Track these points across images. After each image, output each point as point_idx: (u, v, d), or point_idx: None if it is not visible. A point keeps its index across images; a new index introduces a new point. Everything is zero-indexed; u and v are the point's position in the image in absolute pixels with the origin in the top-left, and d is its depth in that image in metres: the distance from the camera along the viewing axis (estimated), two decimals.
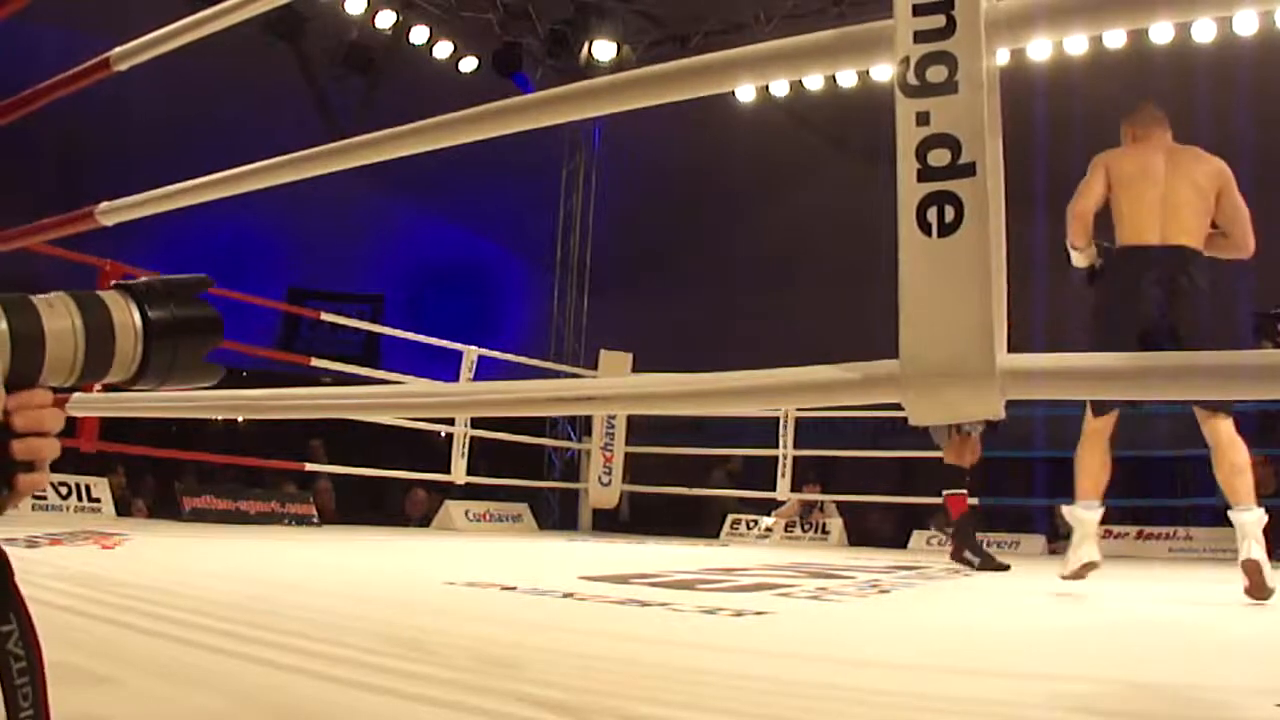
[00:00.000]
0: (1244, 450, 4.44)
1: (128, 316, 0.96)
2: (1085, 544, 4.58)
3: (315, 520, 8.81)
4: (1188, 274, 4.52)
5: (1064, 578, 4.58)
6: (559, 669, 2.15)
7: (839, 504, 10.67)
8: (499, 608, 3.31)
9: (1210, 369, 1.33)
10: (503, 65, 12.29)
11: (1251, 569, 4.13)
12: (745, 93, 12.31)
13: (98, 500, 7.40)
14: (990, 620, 3.78)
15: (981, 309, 1.31)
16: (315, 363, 9.01)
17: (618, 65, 11.91)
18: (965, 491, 6.50)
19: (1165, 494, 10.98)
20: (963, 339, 1.32)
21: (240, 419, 11.23)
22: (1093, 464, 4.67)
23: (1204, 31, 10.07)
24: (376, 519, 10.60)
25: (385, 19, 11.76)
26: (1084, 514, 4.63)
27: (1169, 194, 4.59)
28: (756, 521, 10.87)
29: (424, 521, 10.51)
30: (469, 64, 12.41)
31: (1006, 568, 6.28)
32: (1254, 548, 4.19)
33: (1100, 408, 4.64)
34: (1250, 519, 4.27)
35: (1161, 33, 9.95)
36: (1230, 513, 4.40)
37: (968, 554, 6.30)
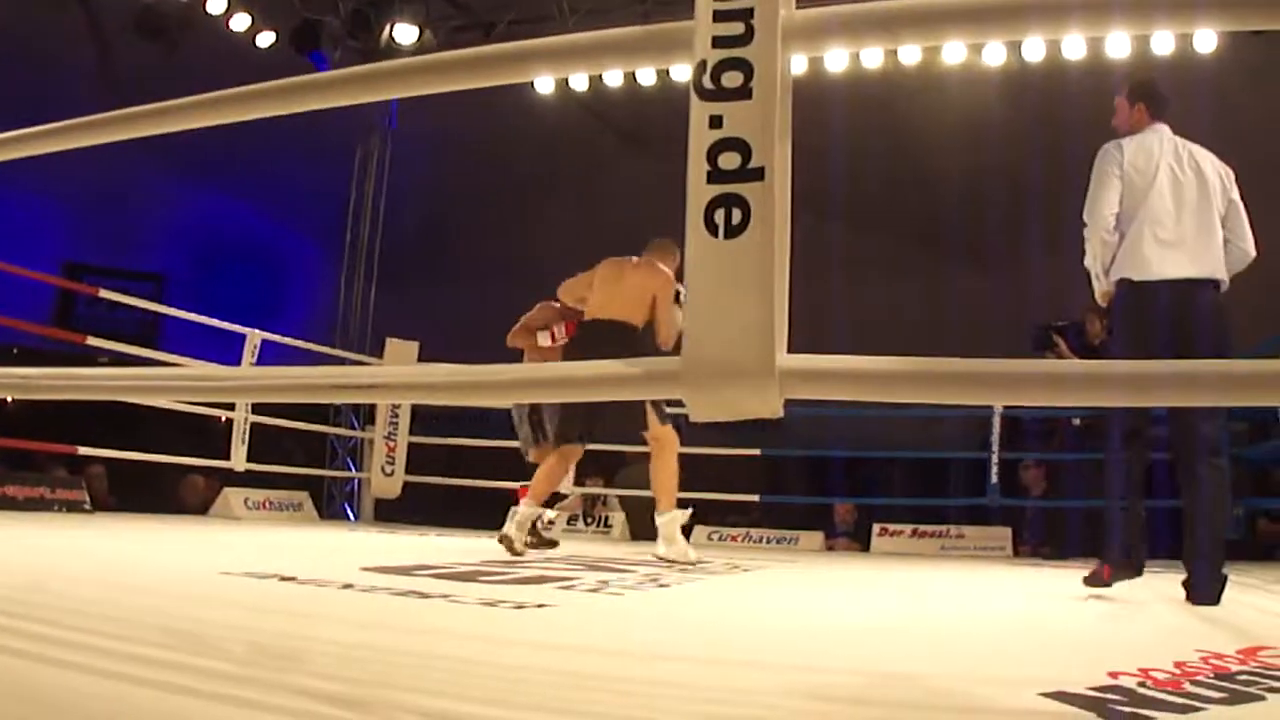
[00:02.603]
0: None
1: None
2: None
3: (87, 507, 8.48)
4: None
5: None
6: (340, 662, 2.12)
7: (621, 498, 10.76)
8: (278, 599, 3.25)
9: (978, 375, 1.39)
10: (301, 42, 12.02)
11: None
12: (545, 85, 12.30)
13: None
14: (768, 614, 3.86)
15: (762, 310, 1.34)
16: (92, 341, 8.69)
17: (419, 49, 11.79)
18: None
19: (937, 494, 11.40)
20: (743, 339, 1.34)
21: (9, 399, 10.73)
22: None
23: (994, 53, 10.50)
24: (152, 506, 10.25)
25: None
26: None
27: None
28: (540, 513, 10.86)
29: (202, 509, 10.21)
30: (266, 38, 12.08)
31: (555, 544, 7.13)
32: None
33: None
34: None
35: (954, 52, 10.34)
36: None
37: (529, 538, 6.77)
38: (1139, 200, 4.57)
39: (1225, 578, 4.34)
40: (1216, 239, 4.55)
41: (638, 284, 6.43)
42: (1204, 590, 4.27)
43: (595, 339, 6.28)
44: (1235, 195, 4.66)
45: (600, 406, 6.19)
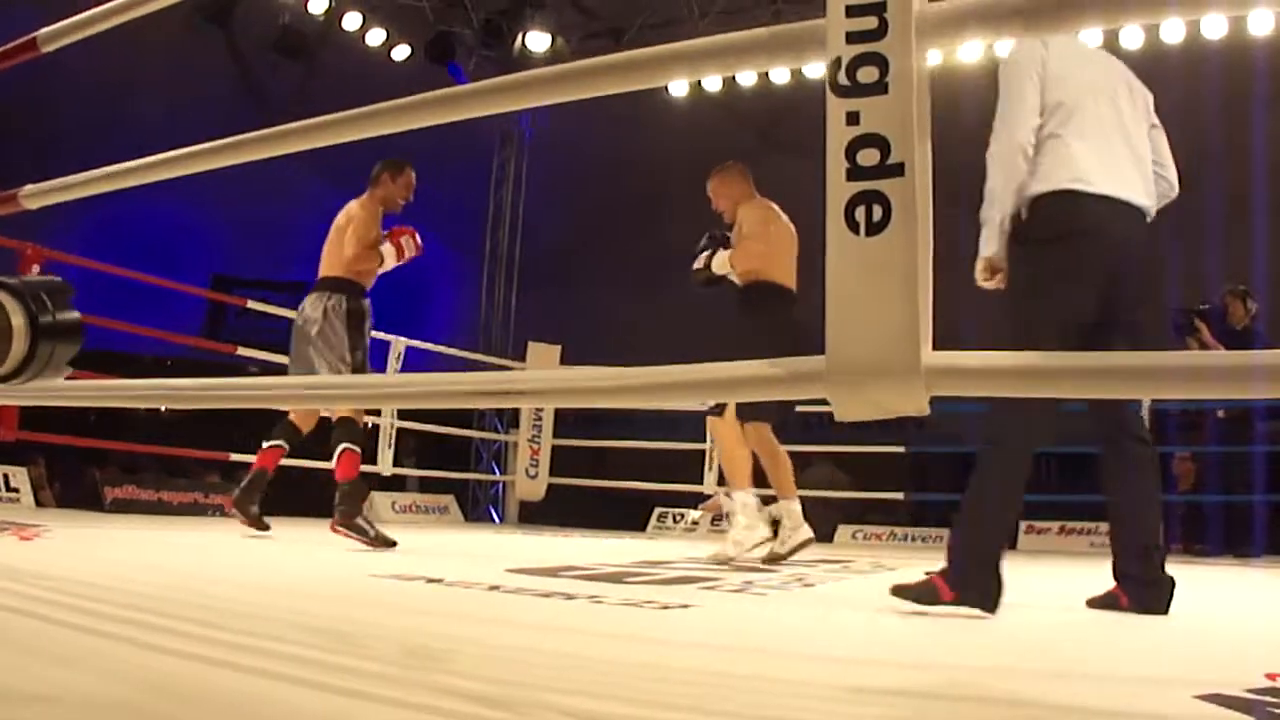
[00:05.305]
0: (736, 444, 5.83)
1: (21, 320, 0.97)
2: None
3: None
4: None
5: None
6: (486, 662, 2.15)
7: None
8: (426, 600, 3.30)
9: (1133, 369, 1.35)
10: (436, 54, 12.23)
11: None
12: (678, 88, 12.33)
13: (16, 490, 7.29)
14: (913, 613, 3.82)
15: (907, 307, 1.33)
16: (242, 352, 8.94)
17: (552, 57, 11.92)
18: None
19: (1086, 489, 11.14)
20: (888, 336, 1.33)
21: (164, 408, 11.08)
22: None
23: (1132, 38, 10.22)
24: (302, 510, 10.50)
25: (318, 4, 11.66)
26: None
27: None
28: (683, 514, 10.89)
29: None
30: (402, 52, 12.33)
31: (393, 544, 6.05)
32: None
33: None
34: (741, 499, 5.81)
35: (1091, 38, 10.06)
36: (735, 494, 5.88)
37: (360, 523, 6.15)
38: (1060, 100, 3.43)
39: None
40: (1149, 167, 3.52)
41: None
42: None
43: (786, 308, 6.03)
44: (1156, 119, 3.68)
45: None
